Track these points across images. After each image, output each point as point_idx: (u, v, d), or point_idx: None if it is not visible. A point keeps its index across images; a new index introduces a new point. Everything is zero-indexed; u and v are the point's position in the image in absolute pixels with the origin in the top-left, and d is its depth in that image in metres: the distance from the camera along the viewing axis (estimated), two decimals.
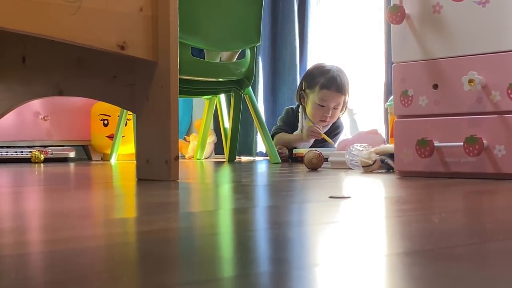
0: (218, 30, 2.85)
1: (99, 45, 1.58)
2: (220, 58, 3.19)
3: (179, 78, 2.78)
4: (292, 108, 3.29)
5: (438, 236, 0.72)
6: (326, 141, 3.05)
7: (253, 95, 3.11)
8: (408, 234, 0.74)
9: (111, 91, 1.81)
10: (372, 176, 1.81)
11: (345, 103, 3.14)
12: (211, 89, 3.13)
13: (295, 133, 3.20)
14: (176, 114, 1.64)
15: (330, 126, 3.18)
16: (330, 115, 3.09)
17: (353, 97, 3.30)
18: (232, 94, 3.12)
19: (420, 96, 1.74)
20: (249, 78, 3.04)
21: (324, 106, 3.08)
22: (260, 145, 3.72)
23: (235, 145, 3.19)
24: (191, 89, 3.00)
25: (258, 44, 3.02)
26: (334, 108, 3.10)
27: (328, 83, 3.06)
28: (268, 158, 3.31)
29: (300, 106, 3.22)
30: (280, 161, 2.97)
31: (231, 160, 3.17)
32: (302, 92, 3.18)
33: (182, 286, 0.49)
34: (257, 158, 3.63)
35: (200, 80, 2.97)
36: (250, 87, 3.07)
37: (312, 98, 3.10)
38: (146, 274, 0.52)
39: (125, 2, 1.60)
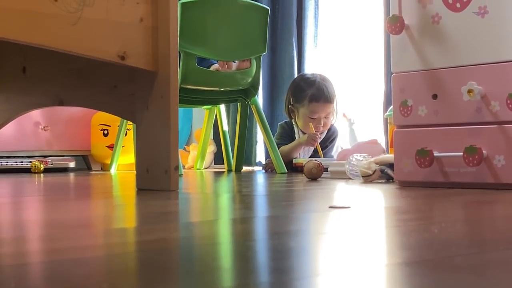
0: (224, 40, 2.84)
1: (100, 55, 1.58)
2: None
3: (185, 88, 2.81)
4: (286, 122, 3.30)
5: (438, 246, 0.72)
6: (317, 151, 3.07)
7: (259, 104, 3.10)
8: (408, 244, 0.74)
9: (111, 101, 1.82)
10: (372, 186, 1.81)
11: (334, 109, 3.15)
12: (217, 99, 3.12)
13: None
14: (176, 124, 1.64)
15: (326, 134, 3.20)
16: (322, 124, 3.11)
17: (352, 107, 3.29)
18: (239, 103, 3.12)
19: (419, 106, 1.74)
20: (255, 87, 3.02)
21: (315, 118, 3.09)
22: (260, 155, 3.71)
23: (242, 155, 3.18)
24: (197, 98, 3.00)
25: (264, 53, 3.01)
26: (325, 117, 3.11)
27: (316, 95, 3.07)
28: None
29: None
30: (286, 171, 2.96)
31: (238, 170, 3.15)
32: (291, 106, 3.18)
33: None
34: (256, 168, 3.63)
35: (205, 89, 2.97)
36: (256, 96, 3.06)
37: (303, 112, 3.11)
38: (146, 284, 0.52)
39: (126, 12, 1.60)
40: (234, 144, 3.46)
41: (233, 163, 3.20)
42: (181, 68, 2.70)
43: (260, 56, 2.98)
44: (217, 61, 2.97)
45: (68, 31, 1.50)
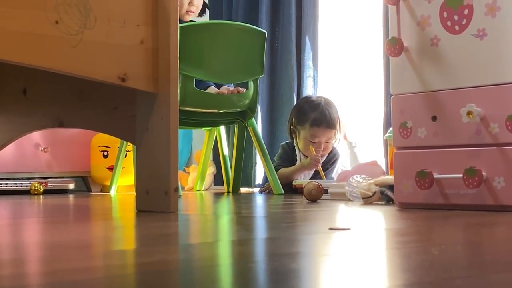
0: (222, 63, 2.86)
1: (100, 77, 1.59)
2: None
3: (183, 110, 2.81)
4: (287, 143, 3.30)
5: (438, 268, 0.72)
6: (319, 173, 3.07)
7: (256, 126, 3.11)
8: (408, 266, 0.73)
9: (112, 122, 1.82)
10: (372, 208, 1.80)
11: (336, 134, 3.15)
12: (215, 121, 3.13)
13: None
14: (176, 146, 1.64)
15: (327, 156, 3.19)
16: (322, 149, 3.10)
17: (352, 129, 3.29)
18: (236, 125, 3.12)
19: (419, 128, 1.75)
20: (252, 109, 3.03)
21: (315, 142, 3.09)
22: (259, 177, 3.71)
23: (239, 176, 3.19)
24: (195, 120, 3.01)
25: (262, 76, 3.02)
26: (326, 142, 3.11)
27: (318, 120, 3.06)
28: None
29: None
30: (283, 192, 2.96)
31: (234, 191, 3.15)
32: (293, 127, 3.18)
33: None
34: (255, 189, 3.63)
35: (203, 111, 2.98)
36: (253, 118, 3.07)
37: (304, 135, 3.11)
38: None
39: (126, 34, 1.61)
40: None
41: (230, 184, 3.21)
42: (179, 90, 2.71)
43: (257, 78, 3.00)
44: (215, 84, 2.99)
45: (69, 53, 1.51)
